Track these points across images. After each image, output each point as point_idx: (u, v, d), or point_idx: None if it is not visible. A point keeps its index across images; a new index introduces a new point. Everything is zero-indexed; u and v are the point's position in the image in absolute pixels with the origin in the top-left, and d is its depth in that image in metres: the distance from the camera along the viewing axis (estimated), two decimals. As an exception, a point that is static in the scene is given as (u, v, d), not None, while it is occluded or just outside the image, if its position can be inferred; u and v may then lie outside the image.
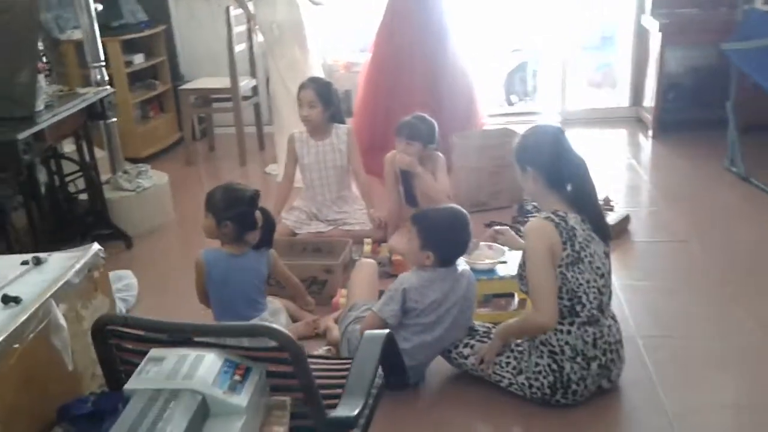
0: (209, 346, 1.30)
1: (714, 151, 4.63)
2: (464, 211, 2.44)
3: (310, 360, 1.83)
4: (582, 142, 5.24)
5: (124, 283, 3.15)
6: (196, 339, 1.29)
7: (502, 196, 3.97)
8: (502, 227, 2.75)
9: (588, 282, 2.19)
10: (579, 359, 2.22)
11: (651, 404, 2.34)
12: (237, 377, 1.25)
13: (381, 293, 2.94)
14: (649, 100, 5.22)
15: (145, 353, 1.33)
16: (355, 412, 1.29)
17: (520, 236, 3.57)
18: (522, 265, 2.27)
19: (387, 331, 1.61)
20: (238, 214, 2.49)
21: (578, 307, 2.19)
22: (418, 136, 3.38)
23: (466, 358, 2.42)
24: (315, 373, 1.74)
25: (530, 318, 2.20)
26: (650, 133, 5.16)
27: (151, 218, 3.95)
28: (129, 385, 1.24)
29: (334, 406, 1.38)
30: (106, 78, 3.88)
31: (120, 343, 1.37)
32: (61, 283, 1.70)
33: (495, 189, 3.95)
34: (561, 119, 5.79)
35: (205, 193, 2.57)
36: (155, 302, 3.23)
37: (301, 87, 3.57)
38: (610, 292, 2.30)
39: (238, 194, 2.53)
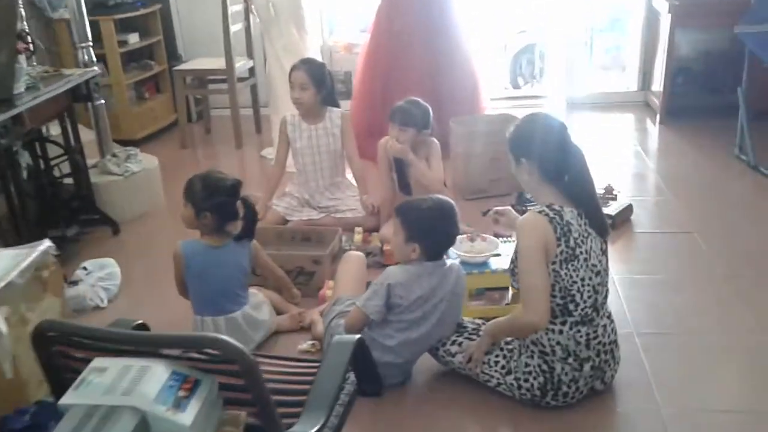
0: (157, 355, 1.20)
1: (723, 139, 4.48)
2: (450, 201, 2.32)
3: (278, 363, 1.74)
4: (588, 127, 5.11)
5: (107, 272, 3.06)
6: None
7: (502, 183, 3.83)
8: (502, 208, 2.61)
9: (583, 280, 2.07)
10: (571, 360, 2.11)
11: (645, 407, 2.23)
12: (183, 392, 1.15)
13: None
14: (658, 84, 5.05)
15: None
16: (314, 430, 1.19)
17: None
18: (514, 261, 2.15)
19: (357, 336, 1.50)
20: (218, 204, 2.39)
21: (571, 306, 2.08)
22: (412, 122, 3.25)
23: (453, 356, 2.31)
24: (283, 378, 1.66)
25: (520, 317, 2.08)
26: (658, 118, 5.00)
27: (139, 204, 3.85)
28: (64, 400, 1.14)
29: (299, 415, 1.28)
30: (94, 59, 3.76)
31: (65, 350, 1.26)
32: (2, 284, 1.58)
33: (494, 176, 3.82)
34: (567, 103, 5.64)
35: (203, 173, 2.50)
36: (139, 291, 3.14)
37: (293, 68, 3.45)
38: (607, 291, 2.18)
39: (219, 183, 2.42)
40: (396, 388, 2.33)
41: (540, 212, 2.07)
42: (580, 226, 2.08)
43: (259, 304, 2.58)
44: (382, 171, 3.47)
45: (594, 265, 2.10)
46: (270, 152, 4.72)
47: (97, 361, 1.22)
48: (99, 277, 3.01)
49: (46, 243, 1.88)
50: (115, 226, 3.66)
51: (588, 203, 2.13)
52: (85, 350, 1.25)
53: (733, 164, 4.19)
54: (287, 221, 3.54)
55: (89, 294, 2.94)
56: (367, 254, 3.12)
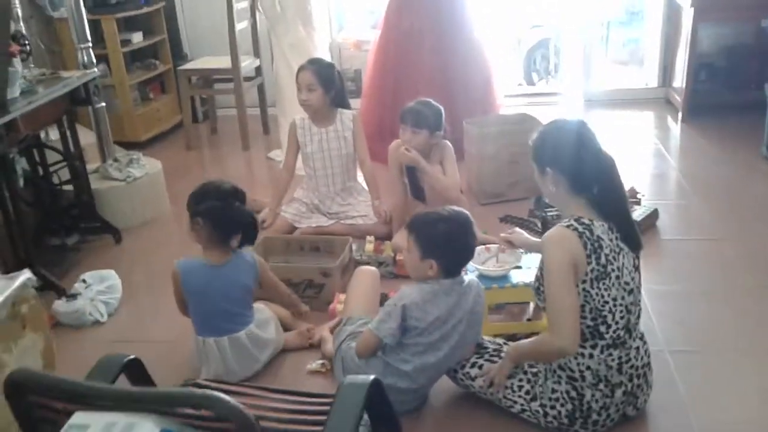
0: (146, 409, 1.05)
1: (749, 138, 4.29)
2: (465, 211, 2.16)
3: (285, 399, 1.59)
4: (605, 125, 4.93)
5: (107, 285, 2.92)
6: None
7: (520, 186, 3.67)
8: (511, 231, 2.46)
9: (615, 299, 1.91)
10: (602, 386, 1.95)
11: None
12: (174, 454, 1.01)
13: (384, 298, 2.70)
14: (680, 80, 4.86)
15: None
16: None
17: (536, 232, 3.33)
18: (540, 278, 1.99)
19: (372, 377, 1.35)
20: (209, 209, 2.25)
21: (602, 328, 1.92)
22: (425, 123, 3.09)
23: (473, 379, 2.15)
24: (290, 417, 1.51)
25: (547, 341, 1.92)
26: (680, 116, 4.81)
27: (142, 210, 3.71)
28: (40, 463, 1.00)
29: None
30: (94, 60, 3.62)
31: (42, 402, 1.12)
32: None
33: (511, 179, 3.66)
34: (584, 100, 5.46)
35: (204, 180, 2.36)
36: (142, 304, 3.00)
37: (300, 69, 3.30)
38: (640, 310, 2.02)
39: (211, 187, 2.29)
40: (411, 414, 2.18)
41: (568, 226, 1.91)
42: (611, 240, 1.92)
43: (265, 321, 2.43)
44: (392, 176, 3.30)
45: (626, 283, 1.94)
46: (278, 154, 4.58)
47: (78, 417, 1.07)
48: (99, 290, 2.88)
49: (26, 274, 1.73)
50: (117, 234, 3.52)
51: (619, 216, 1.96)
52: (65, 402, 1.10)
53: (760, 164, 4.01)
54: (295, 228, 3.39)
55: (88, 308, 2.80)
56: (379, 264, 2.98)
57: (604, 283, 1.89)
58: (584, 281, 1.88)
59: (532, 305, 2.65)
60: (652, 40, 5.39)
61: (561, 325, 1.86)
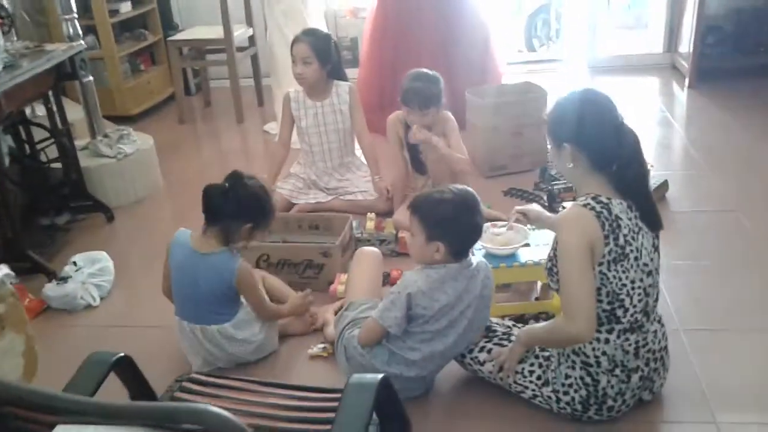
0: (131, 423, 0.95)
1: (760, 104, 4.18)
2: (470, 189, 2.04)
3: (290, 394, 1.49)
4: (609, 92, 4.77)
5: (99, 267, 2.81)
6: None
7: (524, 158, 3.56)
8: (526, 207, 2.34)
9: (633, 282, 1.81)
10: (617, 371, 1.85)
11: (698, 417, 1.98)
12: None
13: (387, 276, 2.61)
14: (686, 45, 4.71)
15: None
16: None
17: (542, 205, 3.22)
18: (553, 258, 1.88)
19: (380, 376, 1.25)
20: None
21: (619, 312, 1.82)
22: (432, 102, 2.91)
23: (482, 364, 2.06)
24: (295, 415, 1.41)
25: (561, 327, 1.82)
26: (687, 82, 4.67)
27: (134, 187, 3.59)
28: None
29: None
30: (80, 32, 3.47)
31: (18, 413, 1.02)
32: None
33: (515, 151, 3.54)
34: (588, 66, 5.31)
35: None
36: (135, 286, 2.89)
37: (295, 40, 3.15)
38: (658, 292, 1.92)
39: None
40: (417, 400, 2.09)
41: (585, 205, 1.79)
42: (630, 220, 1.81)
43: (246, 322, 2.24)
44: (392, 149, 3.17)
45: (645, 264, 1.83)
46: (273, 127, 4.45)
47: (60, 430, 0.97)
48: (90, 273, 2.77)
49: (3, 270, 1.61)
50: (108, 212, 3.41)
51: (640, 194, 1.84)
52: (44, 413, 1.00)
53: (771, 132, 3.89)
54: (292, 205, 3.28)
55: (80, 292, 2.70)
56: (381, 242, 2.88)
57: (622, 265, 1.78)
58: (601, 263, 1.77)
59: (539, 283, 2.56)
60: (657, 4, 5.23)
61: (576, 311, 1.76)
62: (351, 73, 4.67)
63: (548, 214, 2.32)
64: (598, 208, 1.78)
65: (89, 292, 2.72)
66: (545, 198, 3.23)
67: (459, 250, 1.98)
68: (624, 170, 1.81)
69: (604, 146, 1.80)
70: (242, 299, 2.24)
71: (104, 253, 2.90)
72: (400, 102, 2.96)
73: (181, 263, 2.21)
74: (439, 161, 3.00)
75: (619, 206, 1.80)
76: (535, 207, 2.33)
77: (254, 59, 4.97)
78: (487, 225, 2.50)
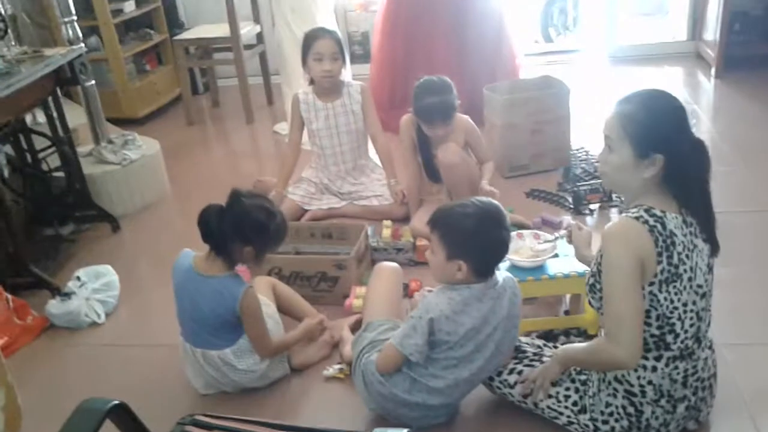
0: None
1: (791, 94, 3.98)
2: (495, 202, 1.88)
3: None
4: (631, 83, 4.60)
5: (103, 282, 2.68)
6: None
7: (546, 157, 3.39)
8: (580, 227, 2.08)
9: (685, 305, 1.65)
10: (663, 401, 1.70)
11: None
12: None
13: (405, 288, 2.45)
14: (712, 32, 4.51)
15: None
16: None
17: (566, 208, 3.06)
18: (596, 275, 1.72)
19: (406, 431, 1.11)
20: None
21: (669, 338, 1.66)
22: (453, 111, 2.76)
23: (512, 387, 1.91)
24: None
25: (605, 350, 1.66)
26: (713, 71, 4.48)
27: (141, 195, 3.46)
28: None
29: None
30: (80, 35, 3.33)
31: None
32: None
33: (536, 150, 3.37)
34: (609, 56, 5.12)
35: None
36: (142, 301, 2.77)
37: (319, 37, 3.00)
38: (710, 316, 1.76)
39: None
40: (440, 427, 1.95)
41: (637, 218, 1.62)
42: (685, 236, 1.64)
43: (247, 352, 2.09)
44: (406, 154, 3.01)
45: (699, 286, 1.67)
46: (284, 127, 4.30)
47: None
48: (94, 288, 2.64)
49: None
50: (114, 222, 3.28)
51: (701, 208, 1.68)
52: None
53: (807, 124, 3.70)
54: (305, 211, 3.14)
55: (84, 309, 2.57)
56: (398, 251, 2.74)
57: (674, 287, 1.62)
58: (652, 283, 1.61)
59: (568, 296, 2.41)
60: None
61: (622, 334, 1.60)
62: (363, 69, 4.54)
63: (588, 249, 2.10)
64: (651, 221, 1.61)
65: (94, 308, 2.60)
66: (570, 200, 3.07)
67: (483, 270, 1.82)
68: (690, 183, 1.65)
69: (685, 155, 1.62)
70: None
71: (109, 267, 2.77)
72: (417, 118, 2.81)
73: (183, 285, 2.09)
74: (453, 170, 2.83)
75: (674, 221, 1.63)
76: (590, 232, 2.10)
77: (262, 57, 4.82)
78: (511, 234, 2.35)
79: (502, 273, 1.91)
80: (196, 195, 3.64)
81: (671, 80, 4.64)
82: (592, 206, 3.02)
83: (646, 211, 1.63)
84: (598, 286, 1.71)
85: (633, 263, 1.59)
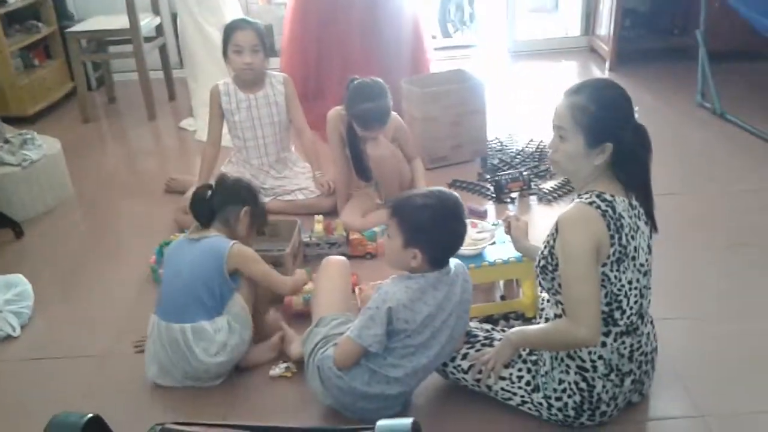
0: None
1: (679, 85, 4.27)
2: (455, 194, 1.90)
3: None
4: (528, 77, 4.78)
5: (16, 292, 2.49)
6: None
7: (464, 149, 3.46)
8: (517, 218, 2.18)
9: (630, 283, 1.73)
10: (612, 376, 1.78)
11: (684, 411, 1.94)
12: None
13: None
14: (605, 27, 4.76)
15: None
16: None
17: (488, 197, 3.14)
18: (548, 257, 1.77)
19: (410, 420, 1.09)
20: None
21: (617, 314, 1.74)
22: (389, 114, 2.78)
23: (465, 372, 1.94)
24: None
25: (566, 330, 1.72)
26: (607, 64, 4.72)
27: (43, 197, 3.23)
28: None
29: None
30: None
31: None
32: None
33: (455, 142, 3.43)
34: (509, 51, 5.28)
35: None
36: (57, 309, 2.59)
37: (237, 28, 2.91)
38: (650, 293, 1.85)
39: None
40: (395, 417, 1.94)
41: (590, 203, 1.69)
42: (630, 219, 1.73)
43: (206, 338, 2.02)
44: (333, 147, 2.98)
45: (641, 265, 1.76)
46: (191, 123, 4.16)
47: None
48: (6, 299, 2.44)
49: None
50: (16, 227, 3.05)
51: (644, 191, 1.78)
52: None
53: (696, 112, 3.97)
54: (228, 208, 3.04)
55: (-4, 322, 2.38)
56: (331, 245, 2.71)
57: (623, 265, 1.70)
58: (605, 264, 1.68)
59: (502, 281, 2.46)
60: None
61: (585, 314, 1.66)
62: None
63: (527, 240, 2.16)
64: (603, 206, 1.68)
65: (7, 321, 2.40)
66: (492, 189, 3.15)
67: (438, 259, 1.84)
68: (636, 167, 1.73)
69: (628, 143, 1.70)
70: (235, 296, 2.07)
71: (21, 276, 2.57)
72: (354, 124, 2.79)
73: (173, 253, 2.14)
74: (382, 162, 2.83)
75: (622, 204, 1.71)
76: (522, 226, 2.17)
77: (163, 50, 4.62)
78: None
79: (453, 260, 1.93)
80: (101, 196, 3.46)
81: (568, 73, 4.86)
82: (512, 195, 3.11)
83: (598, 196, 1.70)
84: (550, 268, 1.76)
85: (590, 248, 1.65)
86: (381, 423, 1.11)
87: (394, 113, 2.88)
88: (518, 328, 1.90)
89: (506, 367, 1.89)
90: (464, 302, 1.90)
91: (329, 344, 1.89)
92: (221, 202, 2.13)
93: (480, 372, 1.91)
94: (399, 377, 1.82)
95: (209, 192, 2.15)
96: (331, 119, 2.91)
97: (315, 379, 1.90)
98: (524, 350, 1.89)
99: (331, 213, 2.98)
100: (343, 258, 2.19)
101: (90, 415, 1.13)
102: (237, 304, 2.06)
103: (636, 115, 1.76)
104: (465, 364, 1.94)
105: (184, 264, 2.06)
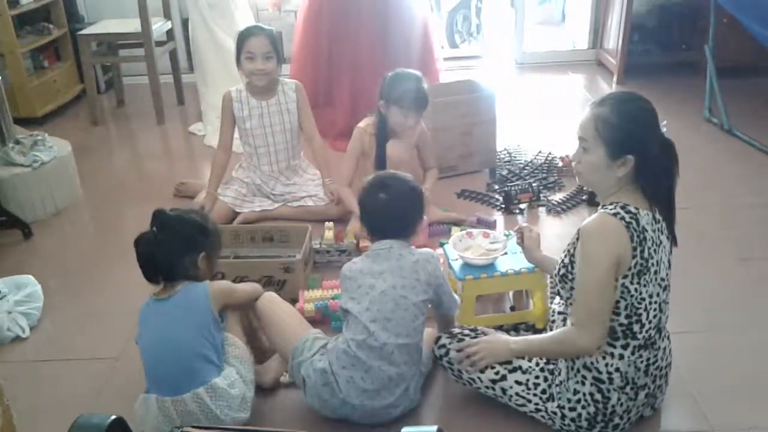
0: None
1: (687, 99, 4.28)
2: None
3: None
4: (535, 90, 4.79)
5: (26, 293, 2.49)
6: None
7: (473, 159, 3.47)
8: (530, 229, 2.19)
9: (651, 296, 1.74)
10: (628, 389, 1.78)
11: (695, 424, 1.94)
12: None
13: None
14: (613, 41, 4.78)
15: None
16: None
17: (497, 207, 3.14)
18: (568, 266, 1.79)
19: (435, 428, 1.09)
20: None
21: (636, 327, 1.74)
22: (427, 101, 2.81)
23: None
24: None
25: (572, 338, 1.74)
26: (615, 78, 4.74)
27: (53, 199, 3.23)
28: None
29: None
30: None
31: None
32: None
33: (464, 151, 3.44)
34: (516, 63, 5.30)
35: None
36: (66, 312, 2.58)
37: (250, 35, 2.92)
38: (668, 308, 1.86)
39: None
40: (408, 418, 1.95)
41: (614, 214, 1.70)
42: (653, 232, 1.73)
43: (221, 392, 1.79)
44: (348, 157, 2.96)
45: (662, 279, 1.77)
46: (200, 128, 4.17)
47: None
48: (16, 300, 2.45)
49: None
50: (26, 228, 3.05)
51: (667, 206, 1.79)
52: None
53: (704, 127, 3.99)
54: (237, 214, 3.04)
55: (6, 323, 2.37)
56: (341, 252, 2.71)
57: (644, 279, 1.71)
58: (626, 276, 1.69)
59: (512, 292, 2.47)
60: (581, 0, 5.28)
61: (595, 326, 1.69)
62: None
63: (541, 251, 2.18)
64: (627, 218, 1.69)
65: (17, 322, 2.40)
66: (501, 199, 3.15)
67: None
68: (661, 182, 1.74)
69: (655, 157, 1.71)
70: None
71: (31, 277, 2.57)
72: (392, 104, 2.79)
73: (145, 320, 1.86)
74: (399, 166, 2.82)
75: (645, 217, 1.72)
76: (535, 237, 2.19)
77: (173, 55, 4.63)
78: (461, 234, 2.39)
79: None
80: (109, 199, 3.47)
81: (575, 86, 4.87)
82: (521, 205, 3.11)
83: (623, 207, 1.71)
84: (570, 276, 1.77)
85: (611, 261, 1.66)
86: (406, 429, 1.11)
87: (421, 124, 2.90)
88: (523, 338, 1.92)
89: (524, 373, 1.90)
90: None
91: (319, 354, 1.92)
92: (174, 253, 1.86)
93: (466, 356, 1.92)
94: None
95: (153, 238, 1.84)
96: (358, 130, 2.94)
97: (315, 398, 1.92)
98: (543, 360, 1.90)
99: (340, 220, 2.98)
100: (268, 293, 2.10)
101: (113, 416, 1.12)
102: (233, 344, 1.93)
103: (664, 129, 1.77)
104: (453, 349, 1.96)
105: (166, 328, 1.82)
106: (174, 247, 1.85)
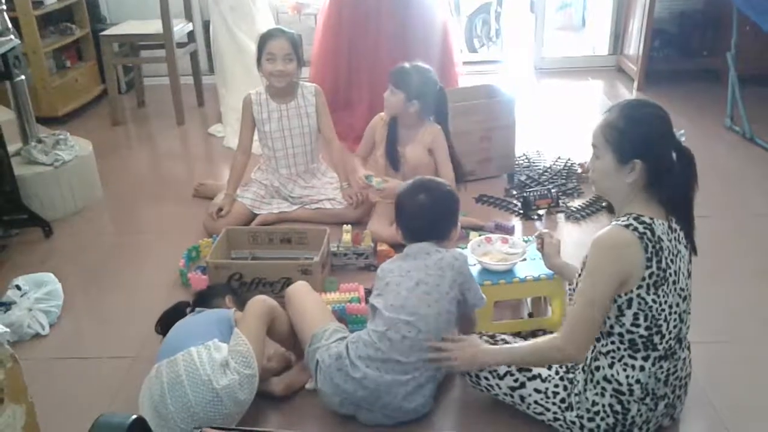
0: None
1: (707, 107, 4.25)
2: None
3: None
4: (554, 95, 4.77)
5: (46, 291, 2.51)
6: None
7: (491, 163, 3.46)
8: (551, 235, 2.20)
9: (671, 307, 1.72)
10: (648, 399, 1.76)
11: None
12: None
13: (368, 294, 2.42)
14: (634, 47, 4.75)
15: None
16: None
17: (515, 212, 3.13)
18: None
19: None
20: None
21: (656, 338, 1.72)
22: (404, 85, 2.80)
23: (501, 378, 1.91)
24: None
25: (557, 345, 1.73)
26: (635, 84, 4.71)
27: (73, 198, 3.26)
28: None
29: None
30: (9, 25, 3.11)
31: None
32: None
33: (483, 156, 3.43)
34: (535, 68, 5.28)
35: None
36: (84, 310, 2.61)
37: (271, 36, 2.94)
38: (689, 318, 1.84)
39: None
40: (423, 423, 1.95)
41: (627, 226, 1.68)
42: (670, 242, 1.71)
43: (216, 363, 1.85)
44: (363, 143, 3.03)
45: (682, 289, 1.75)
46: (220, 130, 4.19)
47: None
48: (37, 297, 2.47)
49: (-2, 328, 1.34)
50: (46, 226, 3.08)
51: (685, 215, 1.76)
52: None
53: (725, 136, 3.95)
54: (255, 216, 3.05)
55: (26, 320, 2.39)
56: (358, 256, 2.71)
57: (662, 289, 1.69)
58: (640, 287, 1.67)
59: (530, 299, 2.45)
60: (598, 5, 5.26)
61: (583, 336, 1.70)
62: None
63: (560, 258, 2.18)
64: (641, 229, 1.67)
65: (37, 319, 2.42)
66: (519, 205, 3.14)
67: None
68: (676, 189, 1.72)
69: (668, 163, 1.70)
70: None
71: (51, 275, 2.59)
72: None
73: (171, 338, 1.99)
74: (416, 170, 2.83)
75: (661, 227, 1.70)
76: (555, 243, 2.19)
77: (194, 56, 4.66)
78: (479, 239, 2.38)
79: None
80: (130, 199, 3.49)
81: (595, 92, 4.85)
82: (540, 211, 3.10)
83: (636, 219, 1.69)
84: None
85: (612, 276, 1.66)
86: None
87: (437, 126, 2.89)
88: (508, 347, 1.88)
89: (544, 381, 1.88)
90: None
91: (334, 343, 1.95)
92: (206, 303, 2.17)
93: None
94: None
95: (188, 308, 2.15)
96: (374, 123, 2.99)
97: (327, 383, 1.92)
98: (561, 367, 1.89)
99: (358, 223, 2.98)
100: (300, 282, 2.21)
101: (134, 416, 1.13)
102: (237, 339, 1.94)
103: (683, 138, 1.75)
104: (501, 371, 1.92)
105: (188, 324, 2.03)
106: (205, 299, 2.21)
